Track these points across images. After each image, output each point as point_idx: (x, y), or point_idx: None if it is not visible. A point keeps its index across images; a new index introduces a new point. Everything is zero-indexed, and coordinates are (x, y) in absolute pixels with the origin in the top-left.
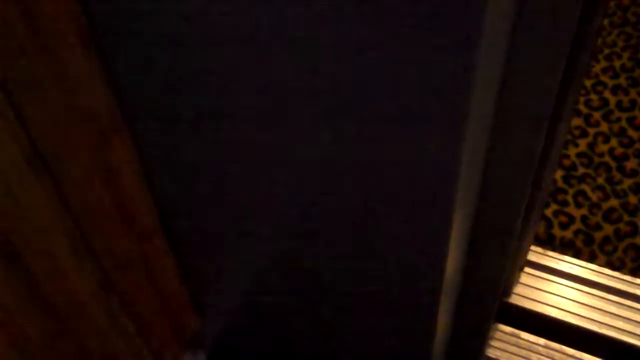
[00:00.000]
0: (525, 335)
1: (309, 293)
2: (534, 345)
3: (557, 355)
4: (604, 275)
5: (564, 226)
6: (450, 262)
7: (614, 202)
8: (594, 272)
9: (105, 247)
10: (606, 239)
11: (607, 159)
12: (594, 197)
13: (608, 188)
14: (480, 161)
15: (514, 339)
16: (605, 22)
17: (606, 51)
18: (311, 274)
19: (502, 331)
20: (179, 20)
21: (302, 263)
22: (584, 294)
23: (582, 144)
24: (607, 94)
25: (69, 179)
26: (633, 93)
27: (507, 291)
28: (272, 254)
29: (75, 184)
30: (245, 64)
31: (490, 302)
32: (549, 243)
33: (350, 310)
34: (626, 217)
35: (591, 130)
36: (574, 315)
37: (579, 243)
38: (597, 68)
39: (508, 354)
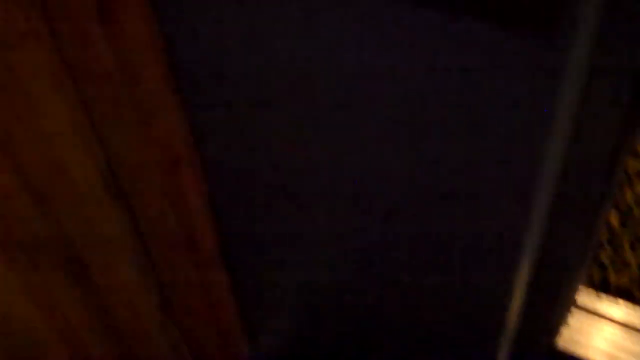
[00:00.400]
0: None
1: (364, 325)
2: None
3: None
4: None
5: (619, 271)
6: (513, 307)
7: None
8: None
9: (168, 271)
10: None
11: None
12: None
13: None
14: (547, 203)
15: None
16: None
17: None
18: (368, 305)
19: None
20: (254, 64)
21: (358, 294)
22: (638, 342)
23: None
24: None
25: (141, 203)
26: None
27: (556, 335)
28: (330, 285)
29: (146, 208)
30: (311, 87)
31: (538, 345)
32: (604, 288)
33: (409, 345)
34: None
35: None
36: None
37: (634, 289)
38: None
39: None
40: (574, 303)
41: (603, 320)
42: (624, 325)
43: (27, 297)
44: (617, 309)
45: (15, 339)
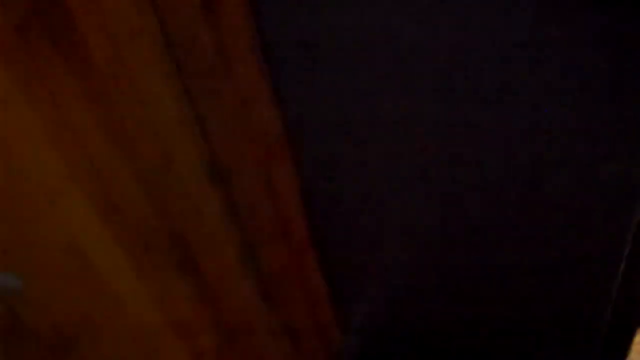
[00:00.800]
0: None
1: (458, 315)
2: None
3: None
4: None
5: None
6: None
7: None
8: None
9: (266, 258)
10: None
11: None
12: None
13: None
14: None
15: None
16: None
17: None
18: (463, 294)
19: None
20: (345, 44)
21: (452, 283)
22: None
23: None
24: None
25: (239, 190)
26: None
27: None
28: (424, 275)
29: (244, 195)
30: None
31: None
32: None
33: (505, 339)
34: None
35: None
36: None
37: None
38: None
39: None
40: None
41: None
42: None
43: (140, 287)
44: None
45: (129, 328)
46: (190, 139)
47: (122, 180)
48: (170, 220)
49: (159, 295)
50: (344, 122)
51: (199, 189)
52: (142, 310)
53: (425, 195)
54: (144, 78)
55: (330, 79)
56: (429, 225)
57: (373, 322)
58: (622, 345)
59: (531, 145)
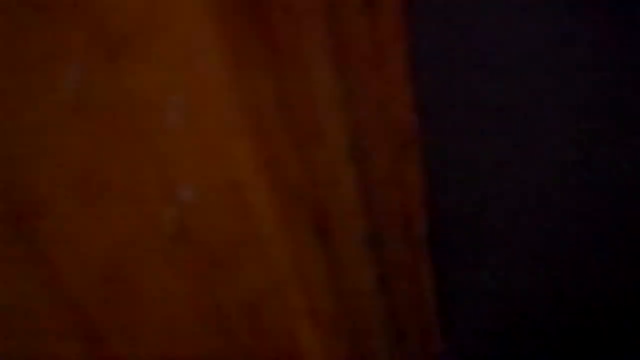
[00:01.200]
0: None
1: (568, 326)
2: None
3: None
4: None
5: None
6: None
7: None
8: None
9: (386, 247)
10: None
11: None
12: None
13: None
14: None
15: None
16: None
17: None
18: (576, 305)
19: None
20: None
21: (566, 293)
22: None
23: None
24: None
25: (373, 176)
26: None
27: None
28: (537, 285)
29: (376, 182)
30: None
31: None
32: None
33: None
34: None
35: None
36: None
37: None
38: None
39: None
40: None
41: None
42: None
43: (286, 239)
44: None
45: (268, 266)
46: (340, 118)
47: (280, 141)
48: (313, 186)
49: (298, 253)
50: (474, 129)
51: (339, 164)
52: (282, 258)
53: (554, 204)
54: (310, 60)
55: (465, 81)
56: (553, 239)
57: (476, 335)
58: None
59: None
